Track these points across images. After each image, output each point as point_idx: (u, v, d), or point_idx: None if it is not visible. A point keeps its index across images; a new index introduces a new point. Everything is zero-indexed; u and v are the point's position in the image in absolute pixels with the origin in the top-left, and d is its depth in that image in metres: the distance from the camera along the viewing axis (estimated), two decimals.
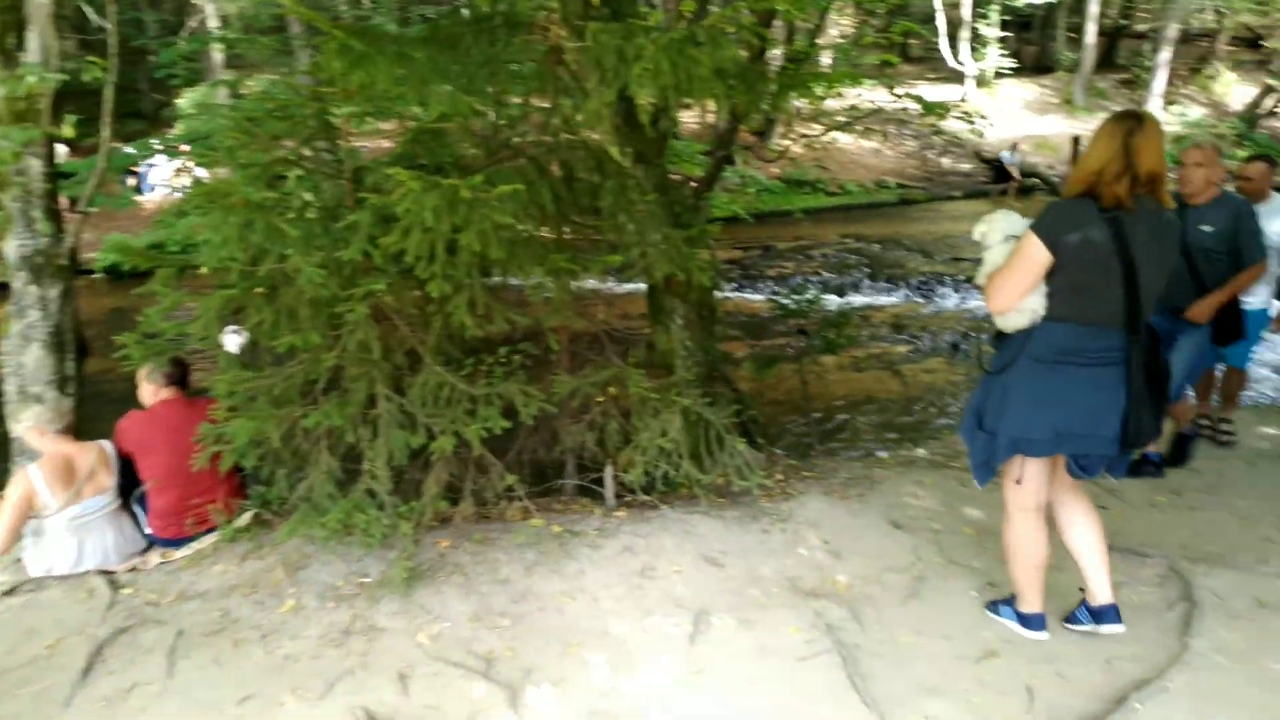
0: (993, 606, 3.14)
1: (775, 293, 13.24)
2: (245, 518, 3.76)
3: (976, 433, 2.84)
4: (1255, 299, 4.48)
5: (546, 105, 3.92)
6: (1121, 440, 2.69)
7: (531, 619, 3.07)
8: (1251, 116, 20.96)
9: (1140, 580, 3.38)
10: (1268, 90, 20.99)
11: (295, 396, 3.53)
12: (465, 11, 4.11)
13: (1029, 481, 2.81)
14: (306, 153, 3.77)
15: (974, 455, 2.88)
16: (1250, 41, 23.96)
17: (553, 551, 3.40)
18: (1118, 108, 22.46)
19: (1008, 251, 2.68)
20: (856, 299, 12.20)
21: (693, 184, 6.45)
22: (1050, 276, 2.58)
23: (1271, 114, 21.09)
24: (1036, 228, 2.56)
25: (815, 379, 9.29)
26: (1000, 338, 2.81)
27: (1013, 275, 2.60)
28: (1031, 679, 2.78)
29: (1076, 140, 17.09)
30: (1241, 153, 20.19)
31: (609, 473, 3.77)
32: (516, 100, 4.05)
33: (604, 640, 2.99)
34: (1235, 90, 22.93)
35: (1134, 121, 2.52)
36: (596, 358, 3.89)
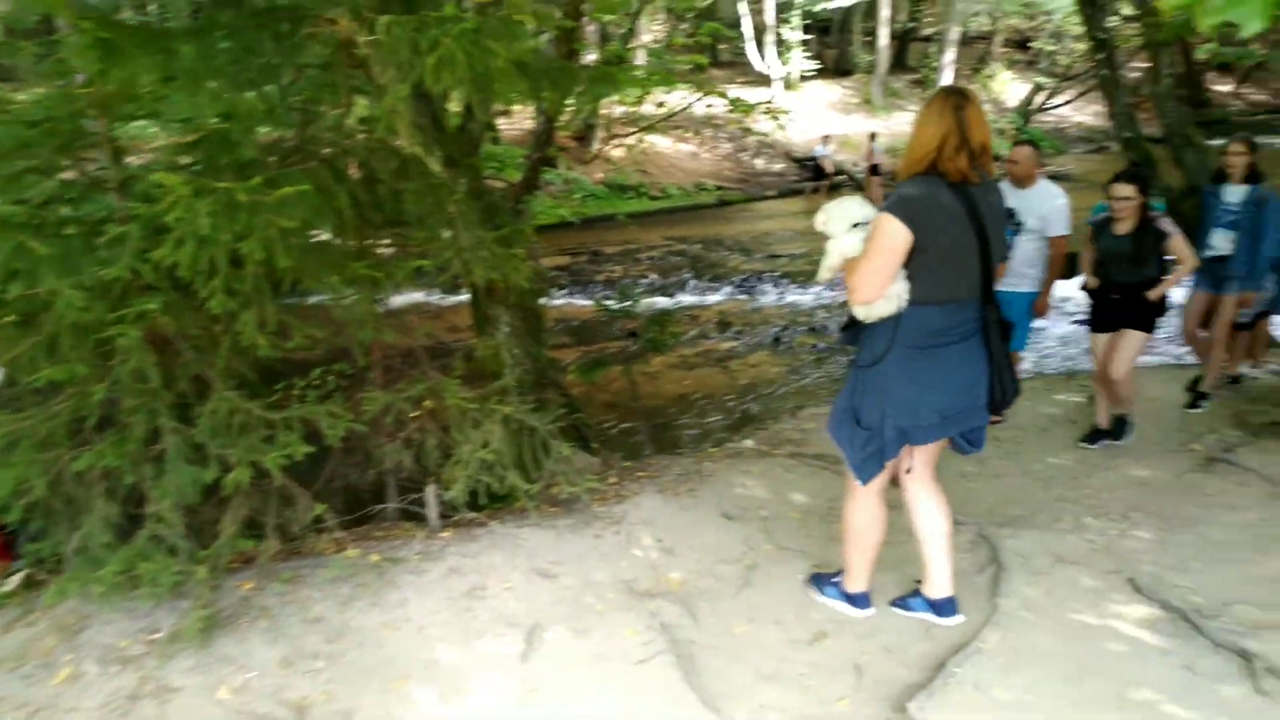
0: (818, 587, 3.18)
1: (606, 297, 13.32)
2: (13, 581, 3.31)
3: (855, 430, 2.73)
4: (1022, 281, 4.75)
5: (341, 104, 3.68)
6: (990, 405, 2.72)
7: (349, 657, 2.85)
8: (1025, 111, 22.98)
9: (954, 548, 3.53)
10: (1037, 88, 23.09)
11: (63, 437, 3.13)
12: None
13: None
14: (65, 163, 3.36)
15: (853, 453, 2.76)
16: (1020, 43, 26.32)
17: (371, 582, 3.18)
18: (912, 107, 23.96)
19: (859, 240, 2.59)
20: (684, 299, 12.42)
21: (513, 187, 6.32)
22: (910, 259, 2.51)
23: (1042, 109, 23.19)
24: (894, 210, 2.47)
25: (648, 380, 9.36)
26: (854, 328, 2.71)
27: (876, 262, 2.50)
28: (859, 656, 2.83)
29: (873, 135, 18.11)
30: None
31: (431, 492, 3.58)
32: (308, 100, 3.79)
33: (431, 670, 2.81)
34: (1011, 88, 25.12)
35: (960, 97, 2.53)
36: (412, 371, 3.68)
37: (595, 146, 19.40)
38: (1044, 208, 4.65)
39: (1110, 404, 4.76)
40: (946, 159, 2.49)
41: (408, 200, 3.49)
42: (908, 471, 2.85)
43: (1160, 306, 4.51)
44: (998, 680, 2.61)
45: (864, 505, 2.86)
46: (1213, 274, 5.07)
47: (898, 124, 22.79)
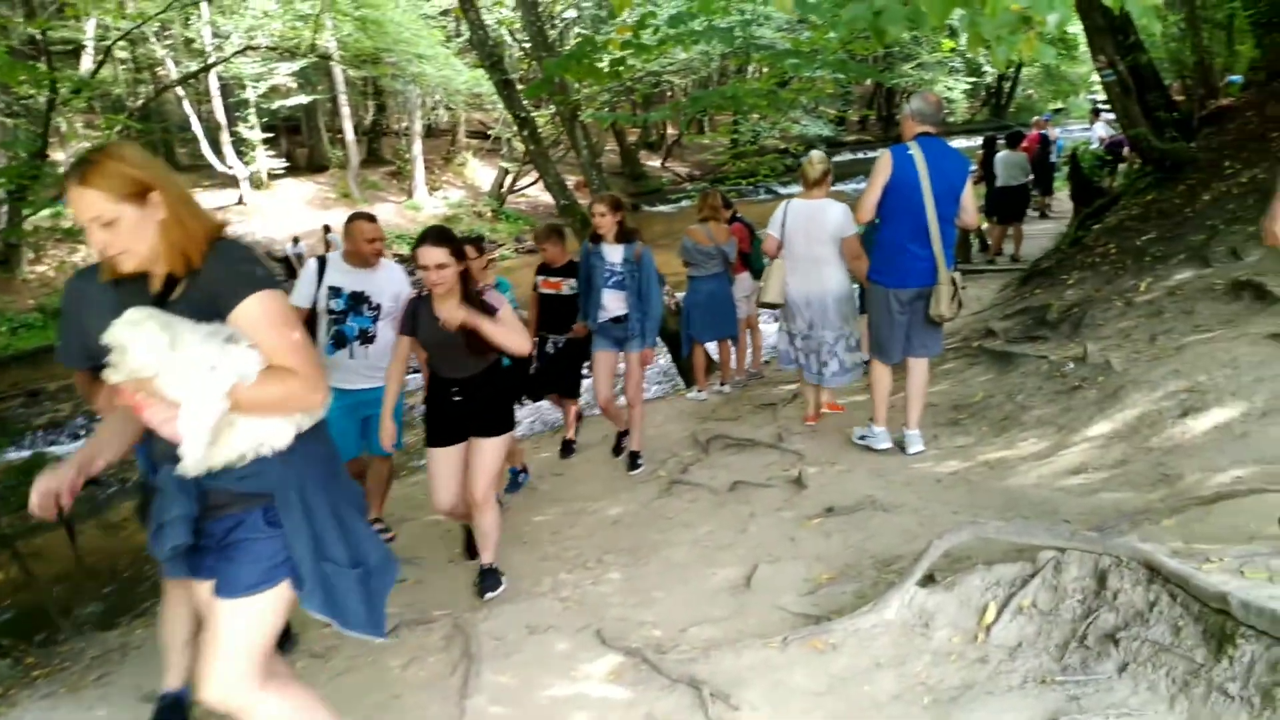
0: None
1: (50, 443, 10.94)
2: None
3: (344, 573, 1.92)
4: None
5: None
6: None
7: None
8: (498, 194, 24.60)
9: (428, 650, 3.13)
10: (504, 172, 24.88)
11: None
12: None
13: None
14: None
15: (360, 611, 1.94)
16: (482, 133, 28.24)
17: None
18: (393, 198, 24.12)
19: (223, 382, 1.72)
20: None
21: None
22: None
23: (513, 190, 25.03)
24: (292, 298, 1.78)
25: (109, 534, 7.72)
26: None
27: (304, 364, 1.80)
28: None
29: (327, 228, 17.86)
30: (501, 226, 23.55)
31: None
32: None
33: None
34: (481, 173, 26.75)
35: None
36: None
37: (26, 270, 16.32)
38: (395, 287, 4.09)
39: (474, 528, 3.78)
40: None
41: None
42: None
43: (509, 401, 3.74)
44: None
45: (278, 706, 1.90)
46: (610, 335, 4.90)
47: (382, 214, 22.82)
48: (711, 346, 6.82)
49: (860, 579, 2.99)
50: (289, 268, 17.47)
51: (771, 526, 3.74)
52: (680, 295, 7.24)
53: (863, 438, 4.58)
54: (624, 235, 4.80)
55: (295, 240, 18.39)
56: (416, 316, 3.43)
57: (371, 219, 4.15)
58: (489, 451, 3.49)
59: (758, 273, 6.33)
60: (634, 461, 5.12)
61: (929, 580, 2.56)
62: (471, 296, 3.32)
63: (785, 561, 3.34)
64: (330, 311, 4.04)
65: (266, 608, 1.85)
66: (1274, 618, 1.77)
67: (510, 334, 3.31)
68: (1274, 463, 2.93)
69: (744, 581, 3.23)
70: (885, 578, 2.90)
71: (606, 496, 4.73)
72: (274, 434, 1.81)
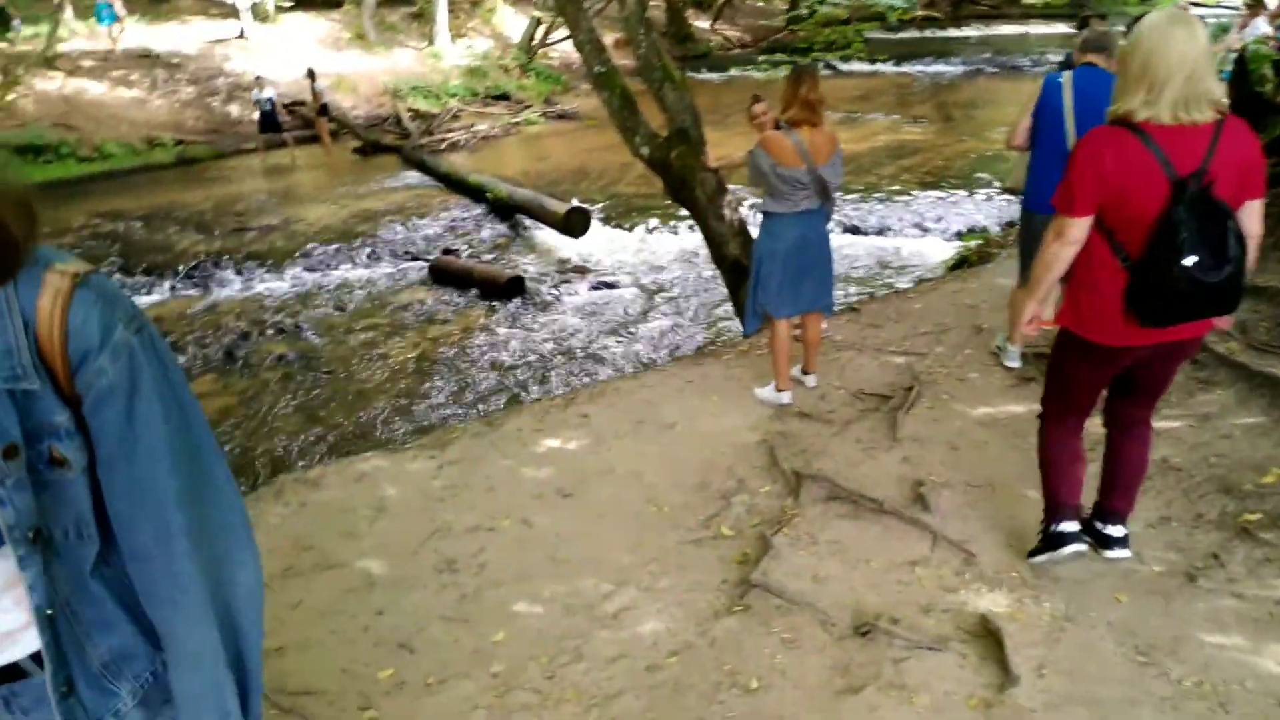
0: None
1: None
2: None
3: None
4: None
5: None
6: None
7: None
8: (528, 47, 21.87)
9: None
10: (537, 22, 22.04)
11: None
12: None
13: None
14: None
15: None
16: None
17: None
18: (412, 43, 21.51)
19: None
20: None
21: None
22: None
23: (545, 44, 22.26)
24: None
25: None
26: None
27: None
28: None
29: (312, 74, 15.04)
30: (529, 84, 20.94)
31: None
32: None
33: None
34: (512, 22, 23.86)
35: None
36: None
37: None
38: None
39: None
40: None
41: None
42: None
43: None
44: None
45: None
46: None
47: (400, 61, 20.37)
48: None
49: None
50: (267, 120, 14.80)
51: None
52: (746, 209, 5.23)
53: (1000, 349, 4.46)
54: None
55: (258, 81, 14.96)
56: None
57: None
58: None
59: None
60: None
61: None
62: None
63: None
64: None
65: None
66: None
67: None
68: None
69: None
70: None
71: (619, 589, 2.91)
72: None
